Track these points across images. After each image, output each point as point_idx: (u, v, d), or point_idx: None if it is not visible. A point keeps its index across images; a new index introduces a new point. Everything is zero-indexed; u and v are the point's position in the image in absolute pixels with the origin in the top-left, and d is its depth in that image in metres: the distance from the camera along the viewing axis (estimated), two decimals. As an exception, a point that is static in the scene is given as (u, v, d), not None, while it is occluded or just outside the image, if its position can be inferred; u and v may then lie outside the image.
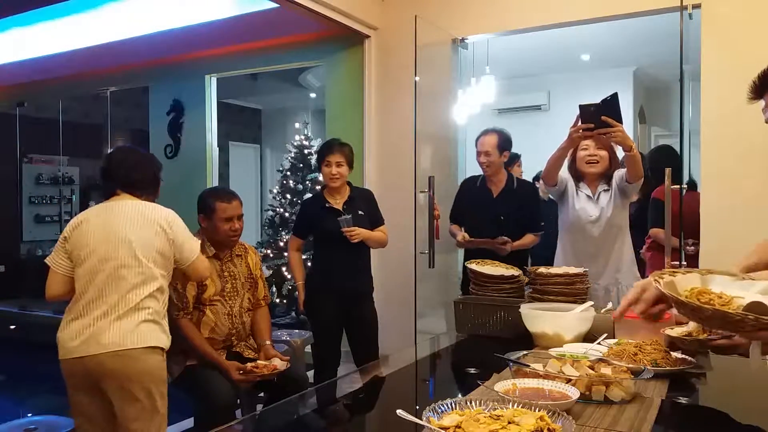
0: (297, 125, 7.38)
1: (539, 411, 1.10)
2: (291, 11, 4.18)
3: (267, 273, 6.16)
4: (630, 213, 3.12)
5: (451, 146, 4.56)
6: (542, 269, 2.36)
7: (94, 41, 6.06)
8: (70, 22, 6.25)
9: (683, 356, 1.64)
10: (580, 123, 2.66)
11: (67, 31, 6.30)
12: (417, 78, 3.89)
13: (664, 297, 1.31)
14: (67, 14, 6.20)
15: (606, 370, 1.40)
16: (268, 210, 7.13)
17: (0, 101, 7.40)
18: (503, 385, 1.34)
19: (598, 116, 2.60)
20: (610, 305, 2.15)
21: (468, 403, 1.16)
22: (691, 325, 1.70)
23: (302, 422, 1.65)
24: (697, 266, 3.40)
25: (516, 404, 1.15)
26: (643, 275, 3.22)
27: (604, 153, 3.01)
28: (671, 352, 1.65)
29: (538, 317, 1.98)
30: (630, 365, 1.50)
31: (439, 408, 1.13)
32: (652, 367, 1.54)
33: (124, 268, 2.23)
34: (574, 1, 3.94)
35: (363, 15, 4.42)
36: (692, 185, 3.70)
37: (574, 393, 1.29)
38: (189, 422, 3.10)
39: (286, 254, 6.06)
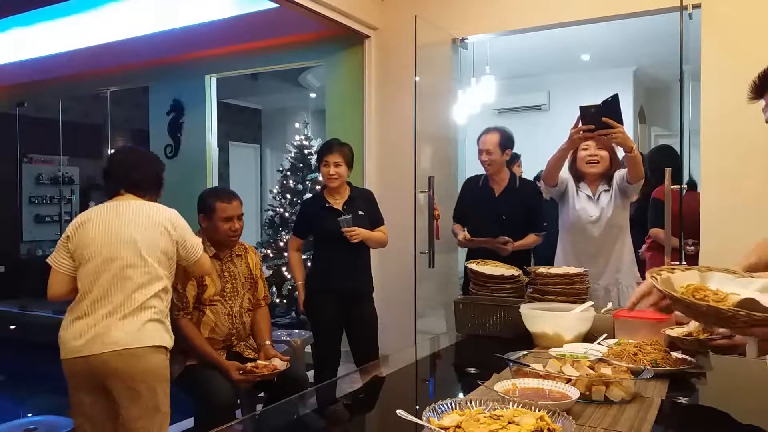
0: (297, 125, 7.38)
1: (539, 411, 1.10)
2: (291, 11, 4.18)
3: (267, 273, 6.16)
4: (630, 213, 3.12)
5: (451, 146, 4.56)
6: (542, 269, 2.36)
7: (94, 41, 6.07)
8: (70, 22, 6.26)
9: (683, 356, 1.64)
10: (580, 124, 2.65)
11: (67, 31, 6.30)
12: (417, 78, 3.89)
13: None
14: (67, 14, 6.21)
15: (606, 370, 1.40)
16: (268, 210, 7.13)
17: (0, 101, 7.39)
18: (503, 385, 1.34)
19: (599, 117, 2.59)
20: (610, 305, 2.16)
21: (468, 403, 1.16)
22: (691, 325, 1.70)
23: (302, 422, 1.65)
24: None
25: (516, 404, 1.15)
26: (643, 275, 3.21)
27: (604, 153, 3.01)
28: (671, 352, 1.65)
29: (538, 317, 1.97)
30: (630, 365, 1.50)
31: (439, 408, 1.13)
32: (652, 367, 1.54)
33: (130, 267, 2.23)
34: (574, 1, 3.94)
35: (363, 15, 4.42)
36: (692, 185, 3.70)
37: (574, 393, 1.29)
38: (189, 422, 3.10)
39: (286, 254, 6.06)
